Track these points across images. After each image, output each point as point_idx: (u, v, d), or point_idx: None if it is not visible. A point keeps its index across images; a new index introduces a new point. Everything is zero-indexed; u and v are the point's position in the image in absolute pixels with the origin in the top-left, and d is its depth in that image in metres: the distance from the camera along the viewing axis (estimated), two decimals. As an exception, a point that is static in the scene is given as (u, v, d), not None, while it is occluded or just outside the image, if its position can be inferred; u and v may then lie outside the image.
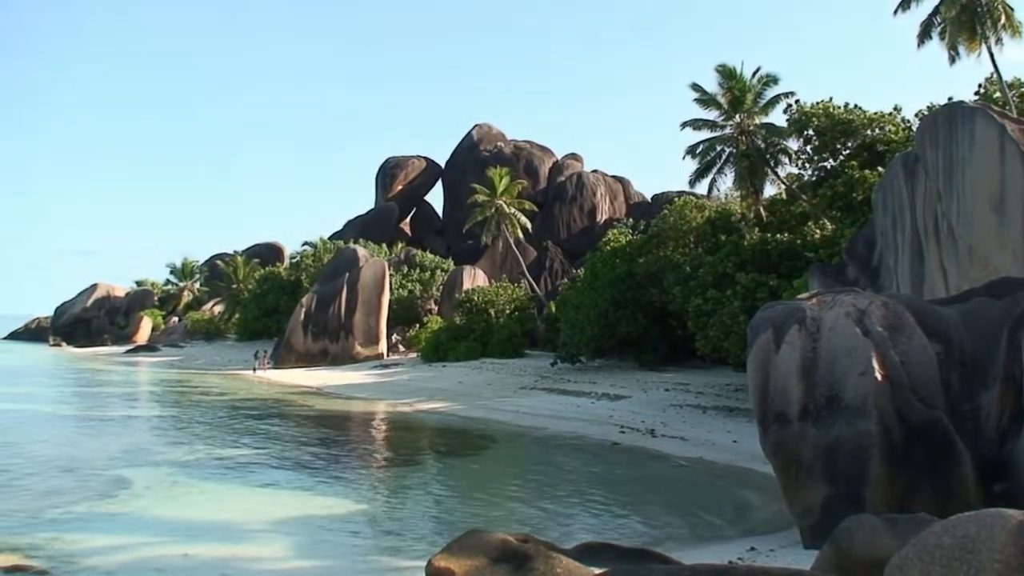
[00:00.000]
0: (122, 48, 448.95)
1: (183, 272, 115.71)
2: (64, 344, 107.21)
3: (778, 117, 43.07)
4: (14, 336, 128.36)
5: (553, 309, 59.75)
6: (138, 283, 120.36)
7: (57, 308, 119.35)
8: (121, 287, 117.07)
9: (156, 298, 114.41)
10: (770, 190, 45.31)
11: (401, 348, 70.85)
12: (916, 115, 38.20)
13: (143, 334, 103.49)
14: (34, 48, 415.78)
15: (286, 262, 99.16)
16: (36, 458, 25.48)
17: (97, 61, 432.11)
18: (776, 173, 43.27)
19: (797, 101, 41.65)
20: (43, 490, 20.77)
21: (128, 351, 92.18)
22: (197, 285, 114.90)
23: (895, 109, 40.10)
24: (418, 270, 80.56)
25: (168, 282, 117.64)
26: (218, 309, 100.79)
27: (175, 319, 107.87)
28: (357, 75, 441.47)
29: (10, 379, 55.49)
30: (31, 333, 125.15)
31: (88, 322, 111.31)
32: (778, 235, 38.14)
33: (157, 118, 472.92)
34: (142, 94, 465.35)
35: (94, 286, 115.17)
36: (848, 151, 39.48)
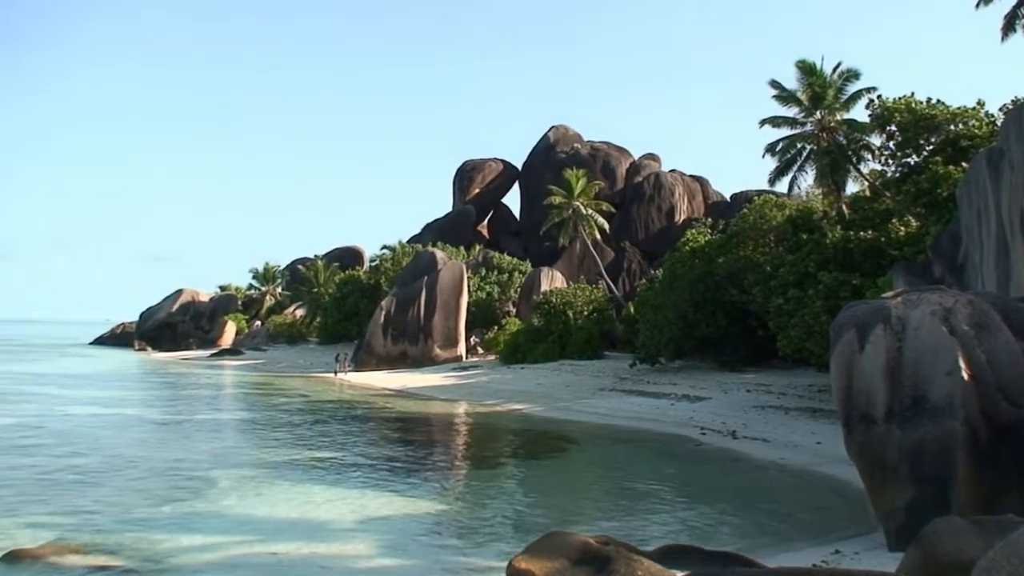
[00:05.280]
0: (209, 59, 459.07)
1: (265, 277, 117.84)
2: (149, 349, 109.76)
3: (859, 113, 42.47)
4: (99, 341, 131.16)
5: (632, 310, 59.61)
6: (222, 288, 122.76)
7: (142, 313, 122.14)
8: (205, 292, 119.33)
9: (239, 302, 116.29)
10: (852, 187, 44.77)
11: (479, 350, 71.16)
12: (1000, 109, 37.32)
13: (227, 338, 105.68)
14: (123, 61, 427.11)
15: (365, 265, 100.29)
16: (124, 459, 25.95)
17: (181, 70, 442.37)
18: (858, 170, 42.68)
19: (879, 96, 40.90)
20: (131, 491, 21.12)
21: (212, 355, 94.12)
22: (279, 289, 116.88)
23: (979, 104, 39.13)
24: (496, 272, 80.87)
25: (251, 286, 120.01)
26: (299, 313, 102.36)
27: (258, 323, 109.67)
28: (435, 80, 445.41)
29: (98, 384, 56.88)
30: (116, 338, 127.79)
31: (173, 327, 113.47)
32: (861, 233, 37.60)
33: (236, 127, 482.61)
34: (224, 105, 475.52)
35: (179, 291, 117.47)
36: (931, 147, 38.69)
